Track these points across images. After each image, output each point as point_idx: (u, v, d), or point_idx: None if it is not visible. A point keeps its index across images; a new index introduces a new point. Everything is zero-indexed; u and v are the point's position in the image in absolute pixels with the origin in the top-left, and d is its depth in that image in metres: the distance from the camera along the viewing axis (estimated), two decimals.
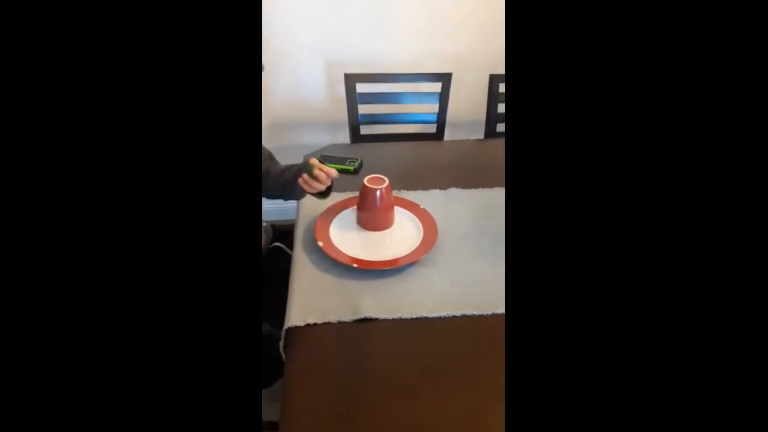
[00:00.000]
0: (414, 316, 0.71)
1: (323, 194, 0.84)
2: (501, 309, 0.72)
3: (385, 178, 0.86)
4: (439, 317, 0.71)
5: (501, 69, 1.35)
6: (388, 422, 0.57)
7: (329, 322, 0.69)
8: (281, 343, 0.69)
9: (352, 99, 1.32)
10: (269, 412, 0.70)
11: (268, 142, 1.01)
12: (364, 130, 1.36)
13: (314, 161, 0.79)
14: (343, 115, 1.35)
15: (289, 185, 0.83)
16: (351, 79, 1.31)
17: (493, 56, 1.48)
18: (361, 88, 1.31)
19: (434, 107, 1.34)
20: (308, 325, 0.69)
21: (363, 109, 1.34)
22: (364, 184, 0.85)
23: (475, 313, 0.72)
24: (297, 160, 1.15)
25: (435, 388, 0.61)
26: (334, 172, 0.79)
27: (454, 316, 0.71)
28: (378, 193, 0.84)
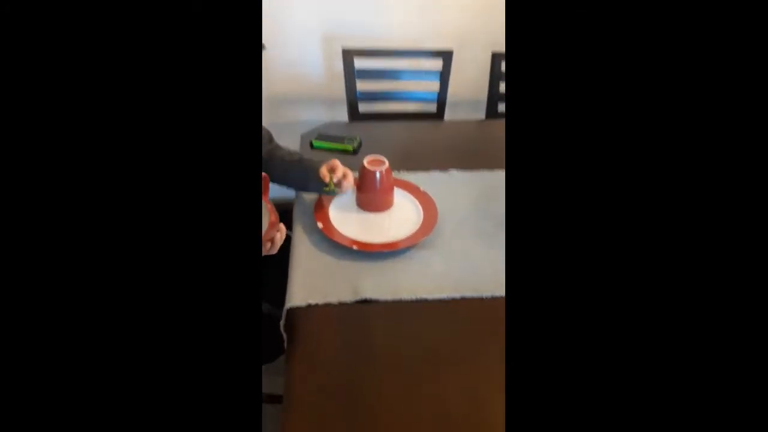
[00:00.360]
0: (414, 298, 0.71)
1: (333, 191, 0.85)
2: (500, 292, 0.73)
3: (385, 160, 0.84)
4: (439, 299, 0.71)
5: (504, 47, 1.32)
6: (387, 400, 0.58)
7: (330, 303, 0.70)
8: (282, 323, 0.69)
9: (350, 75, 1.29)
10: (271, 385, 0.71)
11: (263, 118, 0.98)
12: (363, 107, 1.34)
13: (330, 181, 0.79)
14: (341, 91, 1.32)
15: (295, 183, 0.85)
16: (349, 54, 1.27)
17: (496, 34, 1.44)
18: (360, 63, 1.28)
19: (434, 85, 1.32)
20: (309, 305, 0.69)
21: (361, 85, 1.31)
22: (363, 166, 0.83)
23: (474, 295, 0.72)
24: (294, 137, 1.13)
25: (434, 368, 0.62)
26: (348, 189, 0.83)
27: (453, 299, 0.72)
28: (378, 174, 0.83)
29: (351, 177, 0.82)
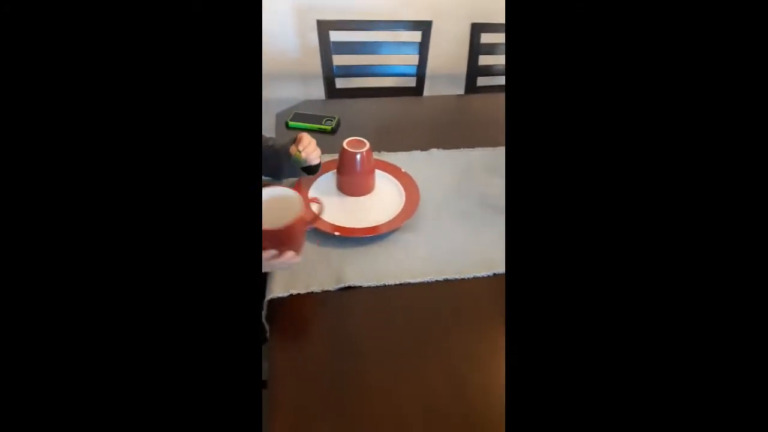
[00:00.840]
0: (397, 283, 0.71)
1: (311, 170, 0.81)
2: (481, 272, 0.73)
3: (366, 141, 0.82)
4: (422, 282, 0.72)
5: (483, 17, 1.28)
6: (373, 384, 0.59)
7: (313, 292, 0.69)
8: (263, 313, 0.68)
9: (326, 48, 1.24)
10: None
11: None
12: (340, 83, 1.29)
13: (296, 151, 0.76)
14: (317, 66, 1.27)
15: (270, 171, 0.82)
16: (324, 27, 1.22)
17: (474, 5, 1.40)
18: (335, 36, 1.22)
19: (413, 58, 1.28)
20: (291, 295, 0.68)
21: (338, 60, 1.26)
22: (343, 148, 0.81)
23: (457, 277, 0.73)
24: (268, 117, 1.09)
25: (418, 351, 0.63)
26: (316, 161, 0.79)
27: (436, 281, 0.72)
28: (358, 157, 0.81)
29: (315, 146, 0.79)
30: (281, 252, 0.63)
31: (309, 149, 0.77)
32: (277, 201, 0.67)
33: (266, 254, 0.63)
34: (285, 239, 0.64)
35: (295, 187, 0.84)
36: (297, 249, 0.65)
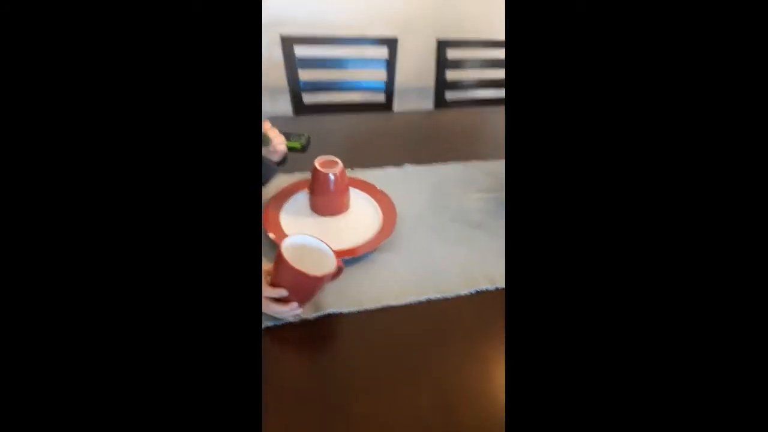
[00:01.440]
0: (378, 307, 0.68)
1: (279, 163, 0.79)
2: (463, 290, 0.72)
3: (338, 160, 0.79)
4: (403, 305, 0.69)
5: (448, 33, 1.30)
6: (360, 414, 0.56)
7: (290, 323, 0.65)
8: None
9: (291, 64, 1.21)
10: None
11: None
12: (307, 98, 1.26)
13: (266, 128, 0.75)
14: (282, 81, 1.23)
15: None
16: (288, 42, 1.19)
17: (441, 20, 1.42)
18: (300, 51, 1.20)
19: (381, 74, 1.27)
20: (268, 327, 0.64)
21: (304, 75, 1.23)
22: (315, 168, 0.78)
23: (439, 297, 0.71)
24: None
25: (405, 377, 0.61)
26: (283, 147, 0.78)
27: (418, 302, 0.70)
28: (331, 176, 0.78)
29: (277, 131, 0.79)
30: (289, 299, 0.61)
31: (272, 133, 0.76)
32: (312, 250, 0.66)
33: (275, 293, 0.61)
34: (307, 287, 0.62)
35: (265, 210, 0.79)
36: (303, 302, 0.63)
